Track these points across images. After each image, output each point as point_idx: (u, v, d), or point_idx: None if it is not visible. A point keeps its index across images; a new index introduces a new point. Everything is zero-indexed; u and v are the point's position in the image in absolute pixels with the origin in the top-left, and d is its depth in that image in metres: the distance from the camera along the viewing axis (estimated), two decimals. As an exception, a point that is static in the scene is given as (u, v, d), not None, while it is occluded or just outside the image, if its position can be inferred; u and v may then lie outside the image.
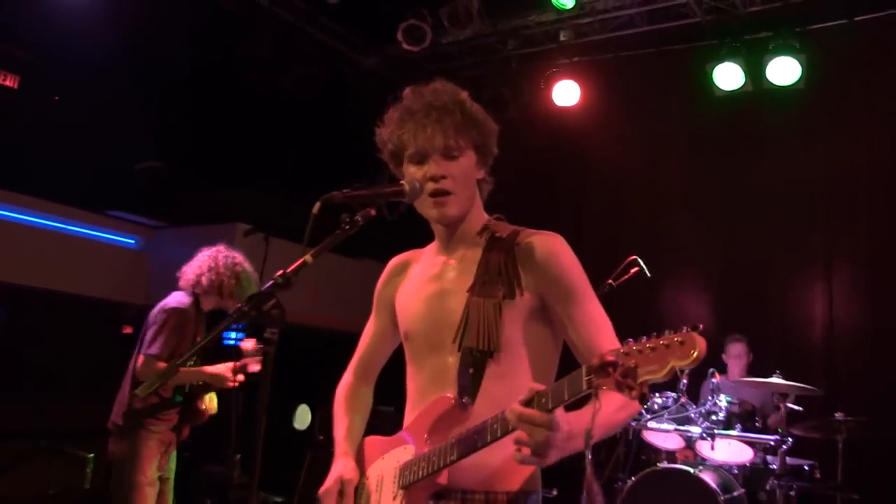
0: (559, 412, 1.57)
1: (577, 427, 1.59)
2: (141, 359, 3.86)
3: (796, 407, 4.82)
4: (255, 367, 3.92)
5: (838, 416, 4.61)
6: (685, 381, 4.98)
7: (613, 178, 6.97)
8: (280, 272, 1.66)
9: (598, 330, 1.82)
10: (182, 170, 7.40)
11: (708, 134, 6.57)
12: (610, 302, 2.30)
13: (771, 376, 4.65)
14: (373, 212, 1.79)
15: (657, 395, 5.08)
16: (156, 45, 6.54)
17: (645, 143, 6.82)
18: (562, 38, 6.91)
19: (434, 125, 1.91)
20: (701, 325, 1.37)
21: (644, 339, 1.41)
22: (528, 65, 7.15)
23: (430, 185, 1.93)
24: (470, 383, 1.85)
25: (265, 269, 5.75)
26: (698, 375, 5.49)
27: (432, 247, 2.12)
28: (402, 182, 1.92)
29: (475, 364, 1.85)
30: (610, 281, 4.15)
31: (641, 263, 4.27)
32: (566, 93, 6.84)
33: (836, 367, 5.79)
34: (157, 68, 6.61)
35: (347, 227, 1.76)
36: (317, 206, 1.70)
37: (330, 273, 7.95)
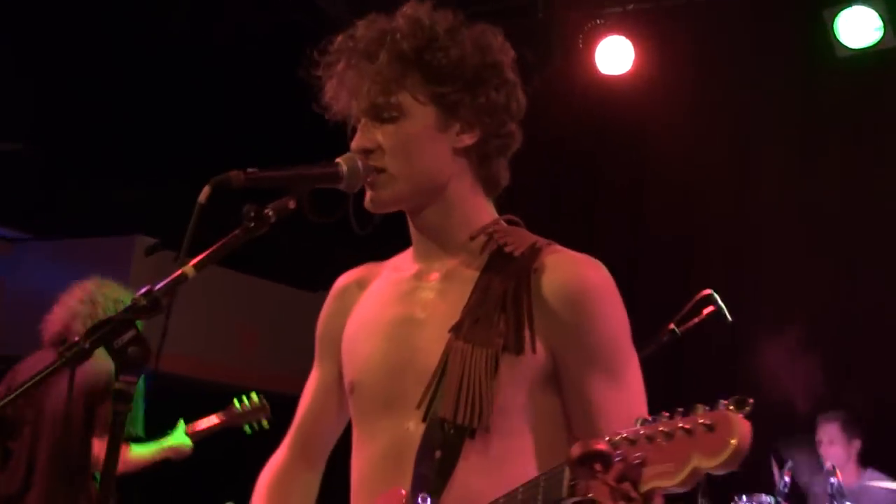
0: None
1: None
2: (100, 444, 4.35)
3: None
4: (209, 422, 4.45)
5: None
6: (788, 479, 4.86)
7: (681, 179, 6.91)
8: (144, 289, 1.60)
9: (620, 425, 1.74)
10: (57, 158, 7.38)
11: (825, 114, 6.53)
12: (670, 358, 2.21)
13: None
14: (291, 204, 1.76)
15: (744, 499, 4.95)
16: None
17: (728, 128, 6.81)
18: (611, -27, 6.89)
19: (351, 78, 1.91)
20: (750, 401, 1.33)
21: (661, 418, 1.36)
22: (561, 16, 7.13)
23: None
24: (434, 473, 1.80)
25: (175, 302, 5.71)
26: (813, 469, 5.38)
27: (403, 256, 2.08)
28: (337, 160, 1.86)
29: (446, 444, 1.80)
30: (672, 325, 4.07)
31: (719, 301, 4.19)
32: (615, 55, 6.81)
33: None
34: (24, 7, 6.59)
35: (252, 224, 1.70)
36: (205, 191, 1.66)
37: (276, 310, 7.94)
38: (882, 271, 6.28)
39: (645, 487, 1.34)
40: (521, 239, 1.93)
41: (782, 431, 6.13)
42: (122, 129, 7.35)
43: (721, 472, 1.30)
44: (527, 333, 1.82)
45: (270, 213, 1.72)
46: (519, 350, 1.82)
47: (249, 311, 7.90)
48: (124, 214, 7.27)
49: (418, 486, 1.81)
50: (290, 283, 8.23)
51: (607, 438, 1.38)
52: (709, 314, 4.17)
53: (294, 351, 7.93)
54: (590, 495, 1.40)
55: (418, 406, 1.85)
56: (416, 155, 1.91)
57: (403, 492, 1.82)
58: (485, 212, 1.99)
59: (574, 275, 1.86)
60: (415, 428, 1.85)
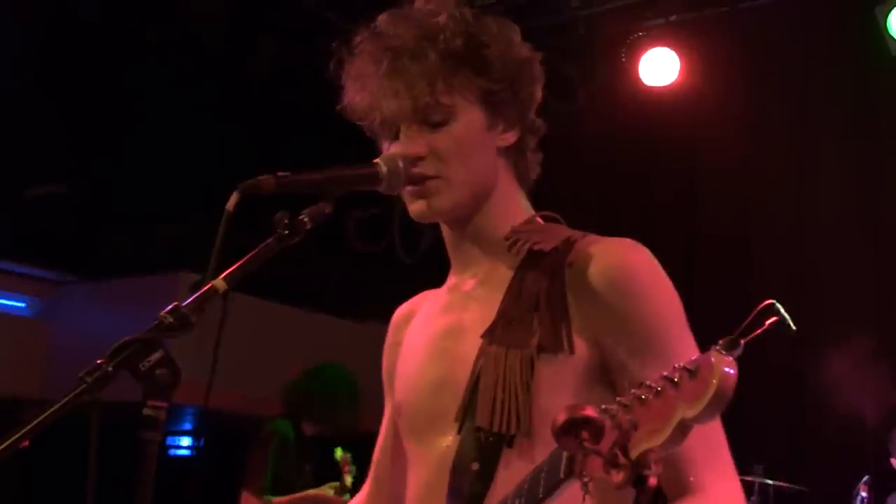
0: None
1: None
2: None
3: None
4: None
5: None
6: (864, 494, 4.71)
7: (735, 191, 6.90)
8: (172, 306, 1.50)
9: None
10: (99, 197, 7.39)
11: (883, 115, 6.46)
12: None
13: None
14: (328, 209, 1.64)
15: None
16: (61, 17, 6.59)
17: (783, 137, 6.77)
18: (652, -15, 6.84)
19: (395, 79, 1.79)
20: (742, 341, 1.23)
21: (657, 377, 1.24)
22: (604, 28, 7.10)
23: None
24: (471, 486, 1.70)
25: (224, 336, 5.69)
26: (888, 485, 5.22)
27: (450, 273, 2.01)
28: (375, 160, 1.75)
29: (483, 455, 1.71)
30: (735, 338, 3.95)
31: (782, 311, 4.05)
32: (660, 67, 6.80)
33: None
34: (63, 49, 6.64)
35: (286, 232, 1.58)
36: (233, 198, 1.56)
37: (321, 343, 7.89)
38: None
39: (636, 452, 1.22)
40: (554, 234, 1.83)
41: (851, 445, 5.98)
42: (162, 166, 7.38)
43: (706, 421, 1.18)
44: (563, 331, 1.72)
45: (306, 220, 1.60)
46: (556, 349, 1.71)
47: (298, 345, 7.85)
48: (167, 251, 7.27)
49: (455, 501, 1.72)
50: (339, 314, 8.17)
51: (602, 407, 1.26)
52: (771, 325, 4.05)
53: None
54: (585, 471, 1.29)
55: (455, 419, 1.77)
56: (470, 158, 1.82)
57: None
58: (522, 210, 1.92)
59: (612, 261, 1.74)
60: (453, 443, 1.77)
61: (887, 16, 5.98)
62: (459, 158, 1.81)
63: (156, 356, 1.46)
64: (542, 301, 1.74)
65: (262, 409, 7.52)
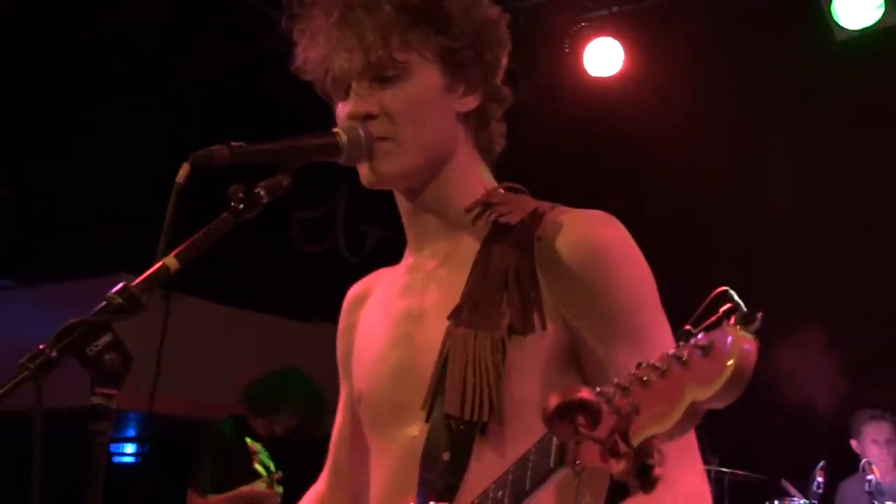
0: None
1: None
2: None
3: None
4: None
5: None
6: (821, 479, 4.74)
7: (682, 180, 6.95)
8: (121, 285, 1.40)
9: None
10: (34, 201, 7.21)
11: (826, 100, 6.51)
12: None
13: None
14: (285, 181, 1.55)
15: (776, 503, 4.86)
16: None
17: (726, 124, 6.79)
18: (593, -25, 6.83)
19: (346, 31, 1.69)
20: (759, 315, 1.08)
21: (661, 356, 1.12)
22: (546, 20, 7.08)
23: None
24: (443, 477, 1.60)
25: (166, 338, 5.63)
26: (839, 471, 5.22)
27: (405, 253, 1.91)
28: (335, 129, 1.67)
29: (454, 444, 1.61)
30: (688, 326, 3.93)
31: (735, 297, 4.05)
32: (604, 57, 6.78)
33: None
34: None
35: (241, 206, 1.49)
36: (184, 169, 1.47)
37: (267, 344, 7.80)
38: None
39: (638, 438, 1.10)
40: (520, 206, 1.72)
41: (804, 433, 6.03)
42: (98, 169, 7.24)
43: (722, 404, 1.05)
44: (534, 310, 1.63)
45: (262, 193, 1.51)
46: (527, 330, 1.61)
47: (239, 346, 7.75)
48: (105, 254, 7.12)
49: (426, 494, 1.62)
50: (282, 314, 8.07)
51: (597, 390, 1.15)
52: (725, 312, 4.05)
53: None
54: (578, 462, 1.18)
55: (422, 406, 1.66)
56: (425, 120, 1.72)
57: (412, 503, 1.64)
58: (484, 181, 1.81)
59: (583, 234, 1.65)
60: (421, 434, 1.67)
61: (831, 1, 6.01)
62: (412, 119, 1.71)
63: (104, 340, 1.36)
64: (511, 279, 1.64)
65: (209, 412, 7.42)
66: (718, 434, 5.15)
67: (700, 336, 1.08)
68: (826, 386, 6.00)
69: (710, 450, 5.14)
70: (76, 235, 7.37)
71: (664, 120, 6.87)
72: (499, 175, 1.85)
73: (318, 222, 7.66)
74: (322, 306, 7.60)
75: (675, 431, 1.08)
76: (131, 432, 8.73)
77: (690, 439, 1.60)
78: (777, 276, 6.47)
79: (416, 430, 1.68)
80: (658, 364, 1.11)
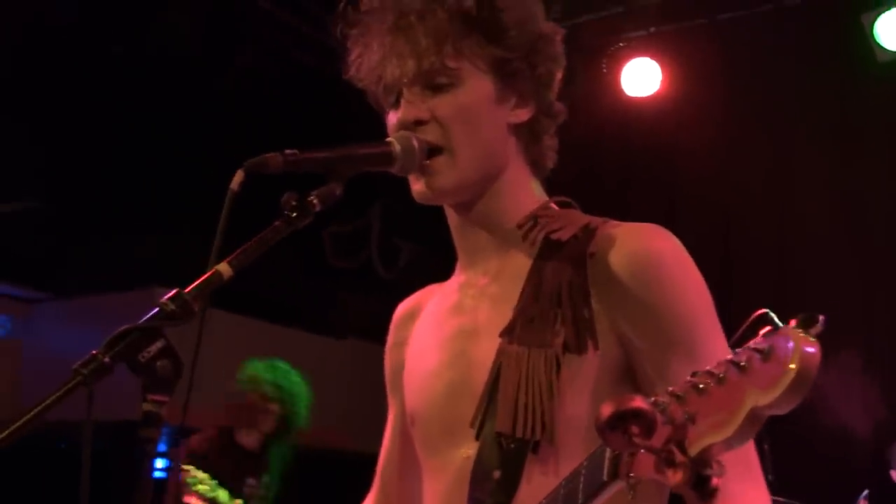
0: None
1: None
2: None
3: None
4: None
5: None
6: (866, 493, 4.65)
7: (717, 199, 6.91)
8: (173, 292, 1.41)
9: None
10: (71, 214, 7.25)
11: (867, 121, 6.48)
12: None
13: None
14: (338, 190, 1.54)
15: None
16: (29, 31, 6.49)
17: (767, 147, 6.78)
18: (633, -5, 6.85)
19: (399, 38, 1.68)
20: (821, 318, 1.05)
21: (719, 363, 1.09)
22: (584, 40, 7.08)
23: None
24: (493, 496, 1.59)
25: (199, 354, 5.62)
26: (880, 500, 5.15)
27: (456, 268, 1.89)
28: (389, 139, 1.66)
29: (505, 462, 1.60)
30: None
31: (776, 320, 4.02)
32: (642, 77, 6.80)
33: None
34: (33, 63, 6.52)
35: (295, 214, 1.49)
36: (239, 176, 1.47)
37: (299, 359, 7.79)
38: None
39: (696, 448, 1.07)
40: (572, 221, 1.70)
41: (842, 457, 5.95)
42: (135, 182, 7.30)
43: (784, 410, 1.03)
44: (589, 328, 1.61)
45: (315, 201, 1.51)
46: (581, 349, 1.60)
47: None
48: (141, 268, 7.17)
49: None
50: (316, 331, 8.08)
51: (652, 399, 1.13)
52: (765, 333, 4.02)
53: (322, 400, 7.78)
54: (632, 474, 1.16)
55: (471, 424, 1.65)
56: (476, 129, 1.70)
57: None
58: (535, 197, 1.79)
59: (637, 247, 1.63)
60: (470, 455, 1.66)
61: (873, 23, 6.00)
62: (463, 127, 1.69)
63: (156, 346, 1.36)
64: (565, 295, 1.62)
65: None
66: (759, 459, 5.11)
67: (759, 339, 1.05)
68: (864, 411, 5.93)
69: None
70: (111, 248, 7.41)
71: (700, 140, 6.85)
72: (548, 188, 1.84)
73: (352, 237, 7.68)
74: (356, 322, 7.63)
75: (735, 440, 1.06)
76: (162, 447, 8.76)
77: (751, 455, 1.57)
78: (813, 298, 6.39)
79: (470, 450, 1.66)
80: (715, 371, 1.08)
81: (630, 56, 6.79)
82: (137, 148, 7.18)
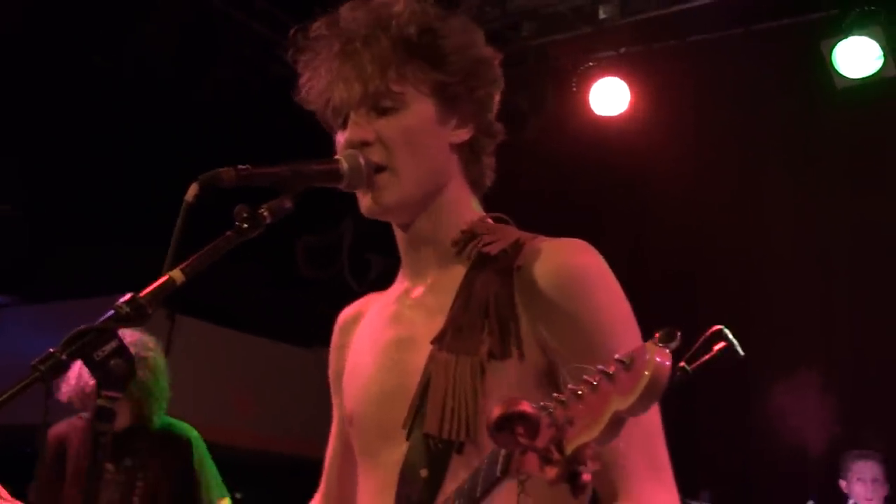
0: None
1: None
2: None
3: None
4: None
5: None
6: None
7: (684, 219, 6.94)
8: (128, 296, 1.48)
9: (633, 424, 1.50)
10: (42, 220, 7.29)
11: (826, 146, 6.57)
12: (681, 397, 2.07)
13: None
14: (287, 203, 1.63)
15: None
16: (5, 39, 6.53)
17: (730, 166, 6.84)
18: (602, 16, 6.89)
19: (345, 63, 1.77)
20: (678, 333, 1.18)
21: (594, 371, 1.23)
22: (554, 59, 7.16)
23: None
24: (420, 493, 1.68)
25: (169, 359, 5.66)
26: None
27: (397, 278, 1.97)
28: (337, 156, 1.75)
29: (432, 462, 1.68)
30: (682, 364, 3.99)
31: (730, 336, 4.10)
32: (610, 97, 6.87)
33: None
34: (7, 70, 6.57)
35: (246, 225, 1.57)
36: (192, 189, 1.56)
37: (270, 368, 7.83)
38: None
39: (570, 447, 1.20)
40: (503, 236, 1.79)
41: (796, 472, 6.06)
42: (106, 189, 7.30)
43: (640, 412, 1.16)
44: (513, 337, 1.70)
45: (265, 214, 1.59)
46: (505, 355, 1.68)
47: (242, 370, 7.79)
48: (110, 274, 7.15)
49: None
50: (285, 340, 8.11)
51: (540, 404, 1.24)
52: (720, 350, 4.10)
53: (289, 409, 7.82)
54: (520, 470, 1.27)
55: (403, 426, 1.73)
56: (419, 150, 1.79)
57: None
58: (474, 213, 1.88)
59: (560, 261, 1.71)
60: (400, 457, 1.74)
61: (832, 50, 6.08)
62: (407, 148, 1.78)
63: (111, 346, 1.44)
64: (492, 306, 1.71)
65: (209, 434, 7.43)
66: (711, 470, 5.21)
67: (626, 352, 1.18)
68: (819, 427, 6.04)
69: (703, 486, 5.18)
70: (80, 254, 7.40)
71: (668, 160, 6.90)
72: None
73: (324, 250, 7.73)
74: (325, 333, 7.65)
75: (602, 439, 1.18)
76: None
77: (662, 458, 1.67)
78: (776, 318, 6.47)
79: (401, 453, 1.74)
80: (590, 379, 1.20)
81: (600, 75, 6.83)
82: (110, 157, 7.18)
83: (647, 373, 1.14)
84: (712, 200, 6.80)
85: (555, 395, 1.24)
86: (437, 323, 1.75)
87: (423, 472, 1.68)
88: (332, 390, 2.06)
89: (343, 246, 7.92)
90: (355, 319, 2.02)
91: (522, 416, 1.22)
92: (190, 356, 6.86)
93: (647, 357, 1.15)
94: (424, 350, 1.75)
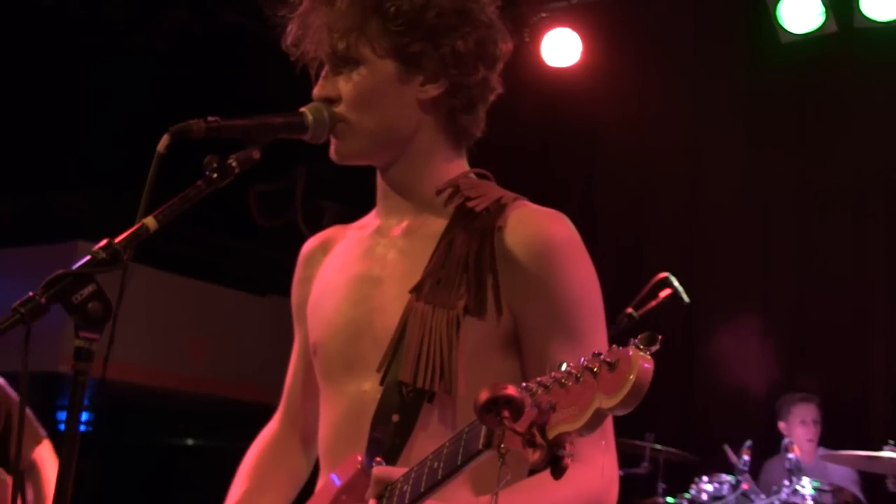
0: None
1: None
2: None
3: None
4: None
5: None
6: (747, 457, 4.95)
7: (633, 168, 6.99)
8: (103, 242, 1.53)
9: None
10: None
11: (770, 100, 6.64)
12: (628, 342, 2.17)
13: (882, 448, 4.66)
14: (255, 154, 1.69)
15: (705, 479, 5.02)
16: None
17: (678, 118, 6.87)
18: (554, -33, 6.90)
19: (313, 22, 1.85)
20: (659, 337, 1.26)
21: (577, 364, 1.30)
22: (505, 10, 7.15)
23: None
24: (390, 437, 1.75)
25: (122, 306, 5.64)
26: (766, 450, 5.42)
27: (369, 215, 2.03)
28: (302, 109, 1.81)
29: (404, 408, 1.75)
30: (629, 310, 4.09)
31: (676, 284, 4.22)
32: (562, 48, 6.84)
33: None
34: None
35: (215, 175, 1.64)
36: (164, 140, 1.60)
37: (222, 315, 7.83)
38: (832, 247, 6.39)
39: (552, 433, 1.28)
40: (487, 193, 1.85)
41: (737, 413, 6.24)
42: (59, 136, 7.21)
43: (623, 412, 1.24)
44: (490, 296, 1.76)
45: (234, 164, 1.66)
46: (481, 313, 1.76)
47: (198, 317, 7.79)
48: (64, 221, 7.12)
49: (373, 451, 1.76)
50: (239, 287, 8.12)
51: (523, 385, 1.32)
52: (666, 297, 4.21)
53: (244, 356, 7.86)
54: (503, 446, 1.34)
55: (378, 369, 1.79)
56: (374, 107, 1.85)
57: (360, 458, 1.77)
58: (454, 165, 1.92)
59: (538, 231, 1.78)
60: (372, 390, 1.80)
61: (777, 5, 6.13)
62: (362, 106, 1.84)
63: (88, 290, 1.49)
64: (472, 263, 1.77)
65: (162, 380, 7.46)
66: (655, 413, 5.35)
67: (609, 353, 1.26)
68: (759, 371, 6.22)
69: (647, 428, 5.32)
70: (36, 202, 7.35)
71: (619, 111, 6.93)
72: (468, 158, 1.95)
73: (278, 197, 7.73)
74: (278, 281, 7.69)
75: (584, 431, 1.26)
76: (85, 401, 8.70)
77: (608, 426, 1.75)
78: (720, 266, 6.56)
79: (366, 386, 1.81)
80: (574, 371, 1.28)
81: (552, 26, 6.78)
82: (62, 103, 7.09)
83: (631, 377, 1.22)
84: (659, 151, 6.85)
85: (539, 379, 1.31)
86: (410, 266, 1.82)
87: (395, 418, 1.74)
88: (295, 319, 2.11)
89: (296, 193, 7.92)
90: (323, 249, 2.07)
91: (508, 400, 1.29)
92: (144, 304, 6.86)
93: (632, 361, 1.22)
94: (394, 290, 1.82)
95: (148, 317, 7.06)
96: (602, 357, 1.25)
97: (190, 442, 10.34)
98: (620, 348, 1.25)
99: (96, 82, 7.08)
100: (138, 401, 7.18)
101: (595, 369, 1.25)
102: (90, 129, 7.27)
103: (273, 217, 7.71)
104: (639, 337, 1.26)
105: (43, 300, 1.46)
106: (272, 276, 7.78)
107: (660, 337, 1.26)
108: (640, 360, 1.22)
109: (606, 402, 1.23)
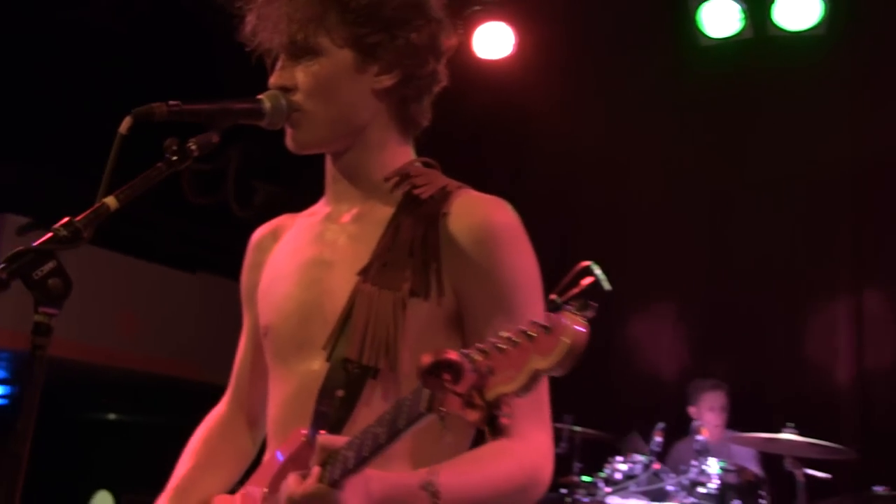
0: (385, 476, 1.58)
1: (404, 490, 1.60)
2: None
3: (821, 474, 4.93)
4: None
5: (879, 489, 4.74)
6: (659, 439, 5.07)
7: (560, 161, 7.09)
8: (65, 219, 1.54)
9: None
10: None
11: (691, 99, 6.77)
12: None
13: (781, 430, 4.78)
14: (214, 138, 1.71)
15: (619, 459, 5.14)
16: None
17: (604, 113, 6.96)
18: (487, -39, 6.91)
19: (271, 13, 1.86)
20: (593, 304, 1.33)
21: (514, 330, 1.34)
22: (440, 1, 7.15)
23: None
24: (335, 411, 1.78)
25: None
26: (676, 432, 5.53)
27: (319, 203, 2.06)
28: (260, 96, 1.82)
29: (349, 384, 1.79)
30: (553, 296, 4.16)
31: (598, 272, 4.30)
32: (494, 41, 6.88)
33: (872, 422, 6.00)
34: None
35: (175, 157, 1.65)
36: (126, 122, 1.61)
37: (152, 292, 7.74)
38: (744, 238, 6.54)
39: (490, 395, 1.32)
40: (433, 181, 1.89)
41: (649, 398, 6.37)
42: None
43: (559, 373, 1.28)
44: (433, 279, 1.81)
45: (193, 147, 1.67)
46: (426, 295, 1.80)
47: (127, 293, 7.67)
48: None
49: (318, 424, 1.78)
50: (169, 264, 8.03)
51: (463, 351, 1.35)
52: (588, 285, 4.30)
53: (173, 332, 7.78)
54: (443, 409, 1.38)
55: (324, 347, 1.82)
56: (332, 97, 1.87)
57: (304, 431, 1.80)
58: (402, 154, 1.96)
59: (481, 217, 1.83)
60: (321, 369, 1.83)
61: (698, 9, 6.26)
62: (318, 95, 1.86)
63: (49, 266, 1.51)
64: (418, 248, 1.81)
65: (91, 356, 7.34)
66: (574, 396, 5.44)
67: (545, 317, 1.30)
68: (671, 357, 6.37)
69: (566, 410, 5.41)
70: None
71: (548, 104, 7.00)
72: None
73: (210, 176, 7.66)
74: (208, 258, 7.62)
75: (521, 391, 1.30)
76: (2, 374, 8.55)
77: (544, 401, 1.81)
78: (638, 256, 6.65)
79: (315, 365, 1.84)
80: (511, 336, 1.32)
81: (484, 19, 6.78)
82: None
83: (565, 339, 1.26)
84: (585, 144, 6.93)
85: (477, 345, 1.35)
86: (358, 250, 1.85)
87: (340, 393, 1.78)
88: (245, 304, 2.13)
89: (229, 172, 7.86)
90: (273, 236, 2.09)
91: (449, 364, 1.33)
92: (74, 279, 6.71)
93: (566, 324, 1.27)
94: (342, 273, 1.84)
95: (78, 292, 6.92)
96: (538, 322, 1.29)
97: (112, 416, 10.21)
98: (555, 313, 1.30)
99: (29, 56, 6.91)
100: (65, 375, 7.04)
101: (532, 333, 1.29)
102: (23, 102, 7.09)
103: (205, 196, 7.63)
104: (572, 303, 1.31)
105: (4, 276, 1.46)
106: (202, 253, 7.72)
107: (594, 304, 1.32)
108: (574, 323, 1.27)
109: (542, 363, 1.27)
